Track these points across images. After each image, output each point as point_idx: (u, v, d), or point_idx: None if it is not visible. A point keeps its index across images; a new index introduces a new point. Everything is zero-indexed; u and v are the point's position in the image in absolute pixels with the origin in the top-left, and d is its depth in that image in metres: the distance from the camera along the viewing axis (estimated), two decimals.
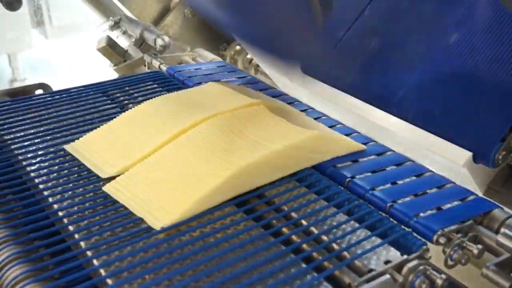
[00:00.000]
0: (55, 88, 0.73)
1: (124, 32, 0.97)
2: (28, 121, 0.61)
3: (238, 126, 0.54)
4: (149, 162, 0.51)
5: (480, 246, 0.42)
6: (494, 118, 0.55)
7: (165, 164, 0.50)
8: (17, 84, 2.57)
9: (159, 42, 0.87)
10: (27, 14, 2.43)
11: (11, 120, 0.61)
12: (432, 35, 0.65)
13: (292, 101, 0.68)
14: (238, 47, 0.96)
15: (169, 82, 0.72)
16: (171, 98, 0.62)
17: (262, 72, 0.91)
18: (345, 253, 0.42)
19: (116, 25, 0.97)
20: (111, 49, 0.91)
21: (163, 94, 0.69)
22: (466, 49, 0.61)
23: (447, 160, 0.57)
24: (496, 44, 0.59)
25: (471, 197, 0.49)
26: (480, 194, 0.60)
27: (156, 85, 0.72)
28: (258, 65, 0.91)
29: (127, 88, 0.71)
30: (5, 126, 0.60)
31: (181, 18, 0.99)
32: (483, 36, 0.60)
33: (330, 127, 0.62)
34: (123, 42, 0.95)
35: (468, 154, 0.55)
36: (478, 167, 0.56)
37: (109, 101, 0.67)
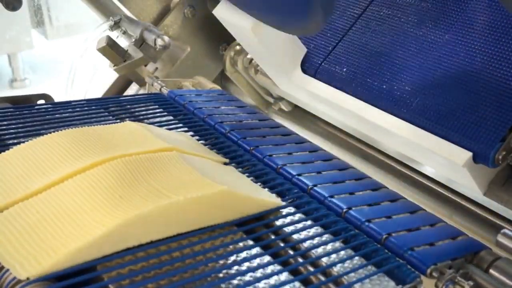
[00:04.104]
0: (56, 93, 0.73)
1: (124, 32, 0.97)
2: (29, 128, 0.62)
3: (143, 171, 0.49)
4: (31, 203, 0.45)
5: (471, 283, 0.44)
6: (494, 118, 0.55)
7: (50, 207, 0.44)
8: (17, 84, 2.57)
9: (159, 42, 0.87)
10: (27, 14, 2.43)
11: (13, 126, 0.62)
12: (432, 34, 0.65)
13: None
14: (238, 47, 0.95)
15: (169, 105, 0.74)
16: (77, 132, 0.55)
17: (262, 72, 0.90)
18: (342, 278, 0.44)
19: (116, 25, 0.97)
20: (111, 49, 0.91)
21: (164, 116, 0.69)
22: (466, 49, 0.61)
23: (447, 160, 0.57)
24: (496, 44, 0.59)
25: (461, 237, 0.51)
26: (481, 194, 0.60)
27: (157, 106, 0.73)
28: (258, 65, 0.91)
29: (128, 106, 0.72)
30: (10, 131, 0.61)
31: (181, 18, 0.98)
32: (483, 35, 0.60)
33: (312, 152, 0.65)
34: (123, 42, 0.95)
35: (468, 154, 0.55)
36: (478, 167, 0.56)
37: (111, 117, 0.68)
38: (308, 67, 0.74)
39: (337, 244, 0.48)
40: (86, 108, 0.69)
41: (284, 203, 0.53)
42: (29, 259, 0.39)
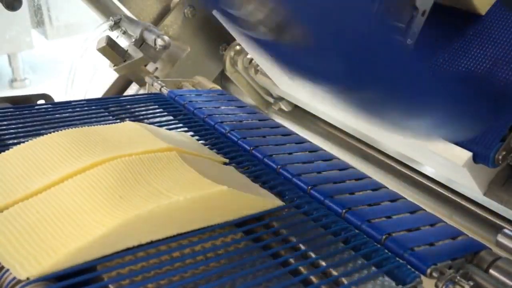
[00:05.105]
0: (56, 93, 0.73)
1: (124, 32, 0.97)
2: (29, 128, 0.62)
3: (143, 171, 0.48)
4: (31, 203, 0.45)
5: (471, 283, 0.44)
6: (494, 118, 0.55)
7: (50, 207, 0.44)
8: (17, 84, 2.57)
9: (159, 42, 0.87)
10: (27, 14, 2.43)
11: (13, 126, 0.62)
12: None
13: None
14: (238, 47, 0.96)
15: (169, 105, 0.74)
16: (77, 132, 0.55)
17: (262, 72, 0.91)
18: (342, 279, 0.44)
19: (116, 25, 0.97)
20: (111, 49, 0.91)
21: (164, 116, 0.69)
22: (466, 49, 0.61)
23: (447, 160, 0.57)
24: (496, 44, 0.59)
25: (461, 237, 0.51)
26: (481, 194, 0.60)
27: (157, 106, 0.73)
28: (258, 65, 0.91)
29: (128, 106, 0.72)
30: (10, 131, 0.60)
31: (181, 18, 0.98)
32: (483, 36, 0.60)
33: (312, 151, 0.64)
34: (123, 42, 0.95)
35: (468, 154, 0.55)
36: (478, 167, 0.56)
37: (111, 117, 0.68)
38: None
39: (337, 244, 0.48)
40: (86, 108, 0.69)
41: (284, 203, 0.52)
42: (29, 259, 0.39)
